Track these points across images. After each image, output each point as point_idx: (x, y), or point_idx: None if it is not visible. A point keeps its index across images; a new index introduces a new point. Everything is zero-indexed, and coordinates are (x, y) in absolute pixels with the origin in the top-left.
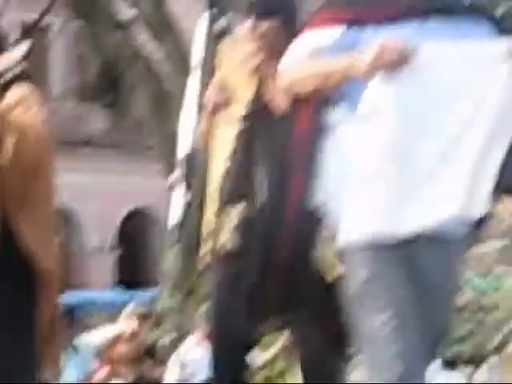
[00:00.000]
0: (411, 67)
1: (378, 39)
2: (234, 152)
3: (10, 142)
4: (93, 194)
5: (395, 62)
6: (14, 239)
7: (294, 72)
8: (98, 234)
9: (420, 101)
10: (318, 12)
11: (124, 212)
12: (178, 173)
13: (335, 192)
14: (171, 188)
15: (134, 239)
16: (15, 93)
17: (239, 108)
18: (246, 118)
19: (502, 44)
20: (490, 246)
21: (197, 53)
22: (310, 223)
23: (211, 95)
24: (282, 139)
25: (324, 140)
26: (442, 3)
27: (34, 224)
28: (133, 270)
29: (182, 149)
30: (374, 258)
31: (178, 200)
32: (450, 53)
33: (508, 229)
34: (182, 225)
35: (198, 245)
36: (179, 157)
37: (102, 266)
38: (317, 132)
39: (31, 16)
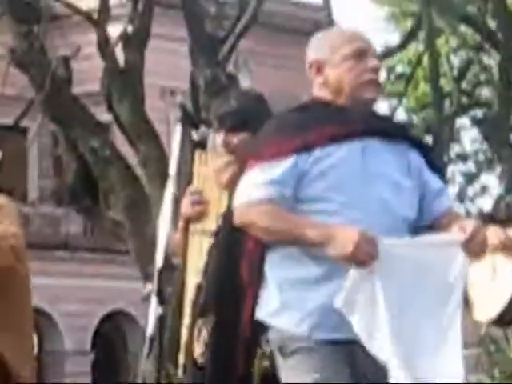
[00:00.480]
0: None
1: (356, 234)
2: (206, 266)
3: None
4: (69, 296)
5: (367, 260)
6: None
7: (257, 214)
8: (75, 337)
9: (385, 293)
10: (267, 144)
11: (100, 314)
12: (154, 283)
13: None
14: (146, 298)
15: (112, 342)
16: None
17: (212, 222)
18: (217, 232)
19: (452, 236)
20: (465, 354)
21: (173, 161)
22: (261, 335)
23: (184, 207)
24: (239, 254)
25: (272, 255)
26: (380, 127)
27: (7, 331)
28: (110, 373)
29: (159, 258)
30: (322, 361)
31: (153, 311)
32: (409, 247)
33: (483, 337)
34: (154, 338)
35: (174, 355)
36: (156, 266)
37: (79, 368)
38: (267, 249)
39: (6, 121)
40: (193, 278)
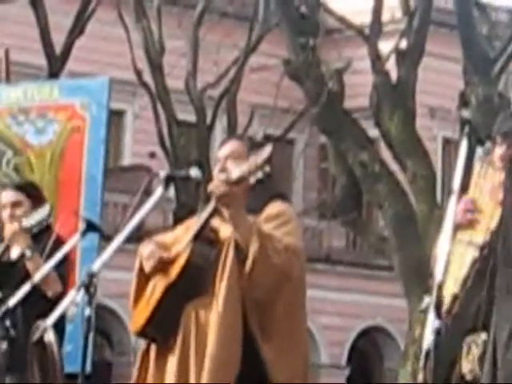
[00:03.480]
0: None
1: None
2: (467, 278)
3: (252, 249)
4: (328, 309)
5: None
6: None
7: None
8: (331, 351)
9: None
10: None
11: (358, 329)
12: (432, 296)
13: None
14: (424, 311)
15: (368, 357)
16: (273, 208)
17: (480, 234)
18: (484, 247)
19: None
20: None
21: (458, 176)
22: None
23: (458, 213)
24: None
25: None
26: None
27: (278, 334)
28: None
29: (439, 272)
30: None
31: (430, 324)
32: None
33: None
34: (429, 353)
35: (444, 370)
36: (436, 279)
37: (333, 382)
38: None
39: (275, 132)
40: (450, 287)
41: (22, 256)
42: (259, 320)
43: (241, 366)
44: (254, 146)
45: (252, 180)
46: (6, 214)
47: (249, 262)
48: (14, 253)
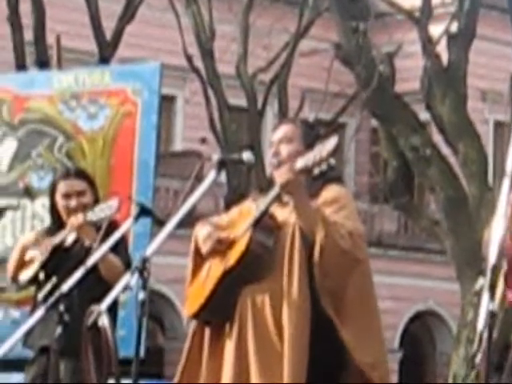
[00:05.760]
0: None
1: None
2: None
3: (319, 237)
4: (380, 293)
5: None
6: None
7: None
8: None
9: None
10: None
11: (410, 313)
12: (485, 279)
13: None
14: (477, 294)
15: (420, 341)
16: (330, 192)
17: None
18: None
19: None
20: None
21: (510, 159)
22: None
23: None
24: None
25: None
26: None
27: (350, 321)
28: (416, 372)
29: (493, 254)
30: None
31: (484, 306)
32: None
33: None
34: (482, 334)
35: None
36: (490, 262)
37: None
38: None
39: (326, 116)
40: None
41: (77, 241)
42: (333, 305)
43: (317, 351)
44: (308, 126)
45: (316, 171)
46: (72, 203)
47: (317, 249)
48: (69, 238)
